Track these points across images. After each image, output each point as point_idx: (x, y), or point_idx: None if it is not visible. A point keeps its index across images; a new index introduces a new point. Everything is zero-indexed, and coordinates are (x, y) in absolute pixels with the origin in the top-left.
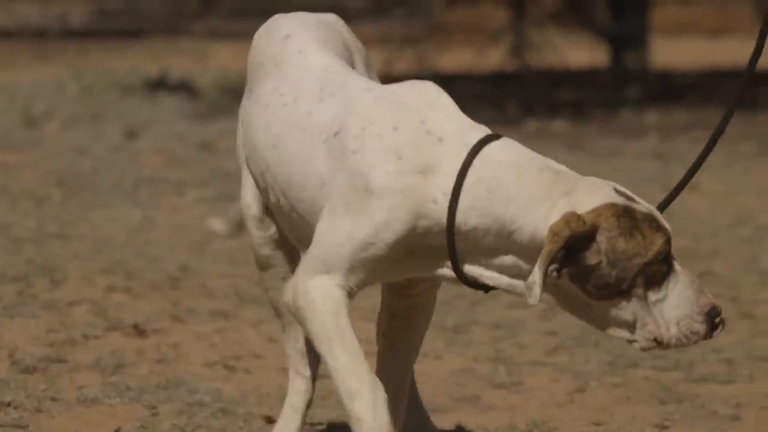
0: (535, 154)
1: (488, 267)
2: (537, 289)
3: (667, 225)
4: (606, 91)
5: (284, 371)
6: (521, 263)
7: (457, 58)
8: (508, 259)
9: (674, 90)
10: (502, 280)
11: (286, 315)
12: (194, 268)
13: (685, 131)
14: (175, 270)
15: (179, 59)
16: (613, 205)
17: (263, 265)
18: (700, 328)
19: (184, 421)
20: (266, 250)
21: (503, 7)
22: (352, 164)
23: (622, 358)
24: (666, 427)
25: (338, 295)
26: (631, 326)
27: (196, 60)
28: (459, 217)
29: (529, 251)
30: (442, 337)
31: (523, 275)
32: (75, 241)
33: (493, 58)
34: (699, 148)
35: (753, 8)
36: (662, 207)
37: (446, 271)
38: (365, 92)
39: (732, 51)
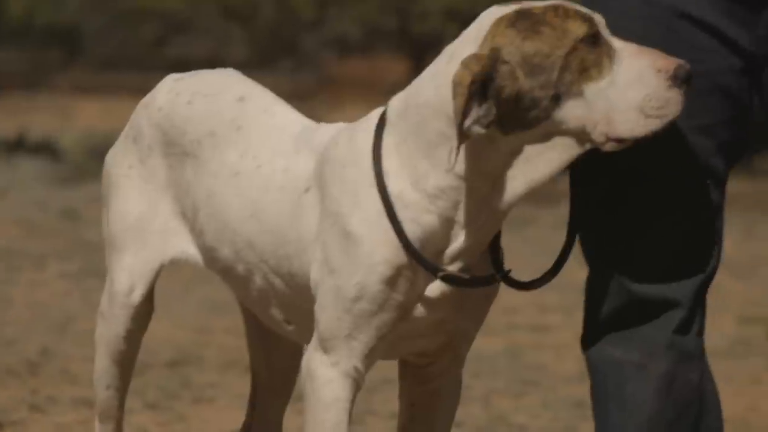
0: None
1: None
2: (451, 155)
3: (582, 8)
4: None
5: None
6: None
7: (350, 114)
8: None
9: None
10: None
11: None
12: (56, 351)
13: None
14: (34, 354)
15: (40, 117)
16: (500, 19)
17: (119, 360)
18: (669, 95)
19: None
20: (128, 346)
21: (400, 58)
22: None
23: None
24: None
25: (344, 396)
26: (582, 137)
27: (60, 118)
28: (394, 183)
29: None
30: None
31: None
32: None
33: None
34: None
35: None
36: (552, 274)
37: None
38: (334, 135)
39: None
